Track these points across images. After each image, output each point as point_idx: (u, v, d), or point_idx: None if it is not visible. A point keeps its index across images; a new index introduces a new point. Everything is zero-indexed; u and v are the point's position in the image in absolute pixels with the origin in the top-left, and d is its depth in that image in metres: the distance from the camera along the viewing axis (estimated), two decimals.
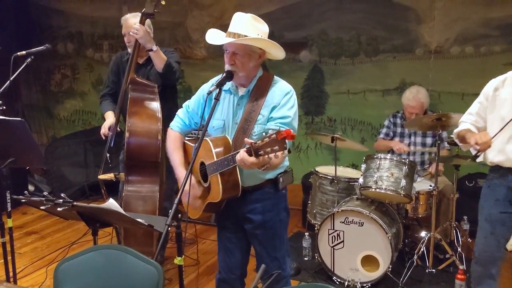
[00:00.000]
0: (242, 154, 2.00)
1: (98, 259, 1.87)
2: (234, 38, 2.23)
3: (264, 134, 1.97)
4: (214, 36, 2.35)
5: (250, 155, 1.96)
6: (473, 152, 2.67)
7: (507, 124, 2.54)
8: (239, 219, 2.46)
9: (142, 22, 3.21)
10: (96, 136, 5.78)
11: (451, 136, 3.81)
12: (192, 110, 2.54)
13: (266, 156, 1.91)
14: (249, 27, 2.25)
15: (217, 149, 2.26)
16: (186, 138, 2.61)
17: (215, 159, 2.24)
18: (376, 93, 4.94)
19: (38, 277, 3.73)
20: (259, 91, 2.33)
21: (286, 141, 1.86)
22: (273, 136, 1.86)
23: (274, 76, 2.42)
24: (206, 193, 2.39)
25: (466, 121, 2.84)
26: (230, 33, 2.26)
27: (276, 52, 2.36)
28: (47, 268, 3.80)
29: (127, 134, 3.11)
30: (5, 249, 3.01)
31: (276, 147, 1.85)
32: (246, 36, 2.23)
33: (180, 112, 2.60)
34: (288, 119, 2.28)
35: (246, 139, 2.05)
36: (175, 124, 2.58)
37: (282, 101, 2.30)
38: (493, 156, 2.68)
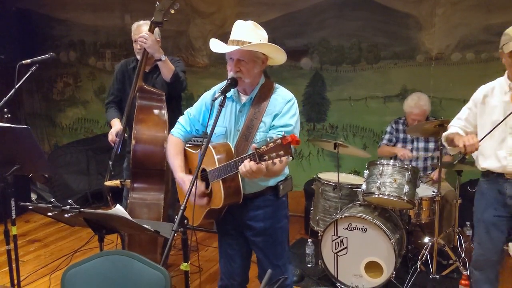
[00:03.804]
0: (246, 164, 2.02)
1: (105, 265, 1.88)
2: (238, 45, 2.26)
3: (268, 140, 1.99)
4: (217, 46, 2.36)
5: (254, 160, 1.98)
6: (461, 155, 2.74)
7: (494, 128, 2.62)
8: (240, 226, 2.47)
9: (151, 30, 3.20)
10: (98, 144, 5.84)
11: None
12: (193, 117, 2.56)
13: (271, 161, 1.93)
14: (251, 33, 2.30)
15: (219, 156, 2.28)
16: (187, 146, 2.62)
17: (217, 166, 2.25)
18: (377, 100, 4.96)
19: (42, 285, 3.73)
20: (261, 99, 2.36)
21: (291, 146, 1.88)
22: (278, 141, 1.89)
23: (275, 83, 2.45)
24: (208, 199, 2.39)
25: (455, 125, 2.93)
26: (234, 41, 2.29)
27: (279, 56, 2.39)
28: (50, 276, 3.81)
29: (133, 142, 3.11)
30: (9, 257, 3.01)
31: (281, 152, 1.88)
32: (249, 42, 2.27)
33: (181, 119, 2.61)
34: (290, 127, 2.30)
35: (253, 144, 2.06)
36: (176, 131, 2.59)
37: (284, 109, 2.33)
38: (483, 161, 2.76)
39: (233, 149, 2.33)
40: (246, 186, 2.33)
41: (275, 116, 2.33)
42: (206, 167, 2.35)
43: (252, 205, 2.41)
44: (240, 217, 2.44)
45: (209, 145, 2.31)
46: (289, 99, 2.37)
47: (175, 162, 2.50)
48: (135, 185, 3.17)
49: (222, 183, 2.25)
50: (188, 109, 2.61)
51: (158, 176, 3.17)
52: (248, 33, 2.30)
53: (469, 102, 2.87)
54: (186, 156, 2.57)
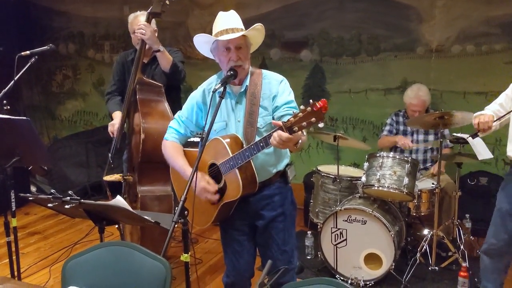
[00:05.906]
0: (275, 135, 1.99)
1: (105, 256, 1.88)
2: (238, 32, 2.26)
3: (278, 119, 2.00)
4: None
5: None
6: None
7: (508, 112, 2.64)
8: (252, 217, 2.46)
9: (148, 21, 3.17)
10: (97, 137, 5.84)
11: (454, 134, 3.84)
12: (186, 119, 2.52)
13: (300, 131, 1.94)
14: (238, 21, 2.34)
15: (231, 145, 2.27)
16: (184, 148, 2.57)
17: (231, 155, 2.24)
18: (377, 92, 4.95)
19: (42, 277, 3.74)
20: (254, 85, 2.38)
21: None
22: (308, 109, 1.89)
23: (262, 69, 2.47)
24: (220, 194, 2.36)
25: (489, 108, 2.94)
26: (229, 30, 2.27)
27: (260, 39, 2.43)
28: (50, 268, 3.81)
29: (142, 136, 3.08)
30: (10, 249, 3.01)
31: (313, 119, 1.88)
32: (241, 28, 2.29)
33: (173, 124, 2.57)
34: (292, 103, 2.36)
35: (273, 121, 2.08)
36: (170, 135, 2.54)
37: (280, 89, 2.37)
38: (510, 150, 2.75)
39: (241, 137, 2.32)
40: (257, 173, 2.30)
41: (274, 98, 2.35)
42: (216, 160, 2.32)
43: (263, 194, 2.41)
44: (252, 209, 2.43)
45: (218, 137, 2.30)
46: (281, 79, 2.42)
47: (179, 162, 2.46)
48: (143, 178, 3.16)
49: (238, 171, 2.23)
50: (178, 113, 2.58)
51: (166, 169, 3.15)
52: (236, 20, 2.33)
53: (508, 88, 2.89)
54: (187, 157, 2.51)
